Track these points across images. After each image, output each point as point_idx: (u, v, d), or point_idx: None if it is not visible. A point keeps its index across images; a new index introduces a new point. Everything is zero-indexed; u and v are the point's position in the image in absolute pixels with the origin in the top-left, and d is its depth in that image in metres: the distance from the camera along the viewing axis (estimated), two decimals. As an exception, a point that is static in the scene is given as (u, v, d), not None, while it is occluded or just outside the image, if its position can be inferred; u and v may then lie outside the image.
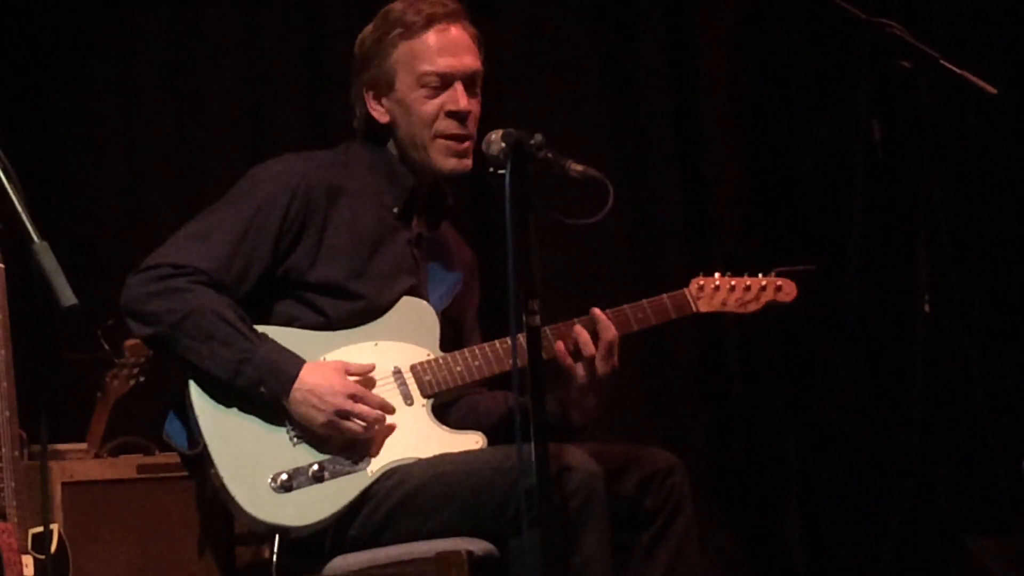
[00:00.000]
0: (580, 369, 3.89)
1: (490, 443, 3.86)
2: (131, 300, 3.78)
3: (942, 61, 4.39)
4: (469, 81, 3.95)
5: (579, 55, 6.00)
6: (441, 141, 3.94)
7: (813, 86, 5.99)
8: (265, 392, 3.74)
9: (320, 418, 3.75)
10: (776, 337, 5.98)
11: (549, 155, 3.60)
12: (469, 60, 3.95)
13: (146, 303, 3.76)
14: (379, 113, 3.97)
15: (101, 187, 5.75)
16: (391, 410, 3.82)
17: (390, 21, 3.96)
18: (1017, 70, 5.70)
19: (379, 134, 4.00)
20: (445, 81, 3.93)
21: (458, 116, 3.93)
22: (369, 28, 4.00)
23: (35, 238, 2.99)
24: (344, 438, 3.77)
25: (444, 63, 3.92)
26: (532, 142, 3.60)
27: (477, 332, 4.11)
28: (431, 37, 3.93)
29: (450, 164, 3.95)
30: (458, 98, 3.92)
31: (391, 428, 3.82)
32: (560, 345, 3.88)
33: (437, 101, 3.93)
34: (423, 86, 3.92)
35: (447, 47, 3.93)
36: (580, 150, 3.78)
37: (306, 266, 3.87)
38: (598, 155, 5.42)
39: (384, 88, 3.96)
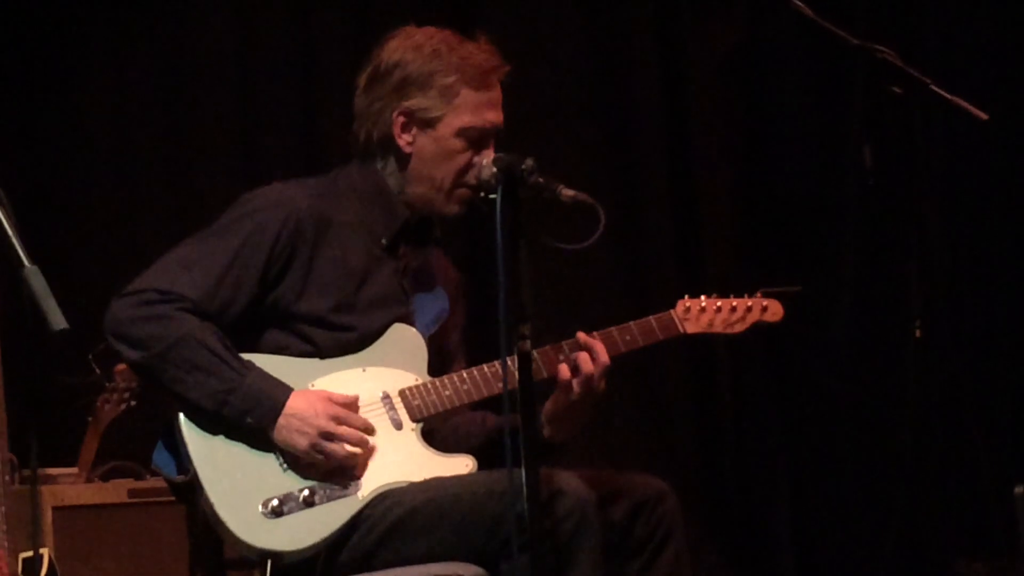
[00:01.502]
0: (567, 390, 3.89)
1: (472, 464, 3.88)
2: (116, 323, 3.76)
3: (933, 87, 4.40)
4: (497, 135, 3.94)
5: (571, 78, 6.01)
6: (463, 191, 3.90)
7: (805, 110, 6.01)
8: (251, 422, 3.73)
9: (304, 441, 3.73)
10: (768, 361, 5.98)
11: (540, 180, 3.61)
12: (501, 114, 3.93)
13: (132, 327, 3.74)
14: (405, 141, 3.93)
15: (91, 210, 5.75)
16: (374, 432, 3.81)
17: (450, 63, 3.87)
18: (1008, 95, 5.72)
19: (383, 153, 3.95)
20: (484, 136, 3.89)
21: None
22: (411, 54, 3.90)
23: (26, 262, 2.99)
24: (329, 462, 3.76)
25: (488, 119, 3.89)
26: (523, 167, 3.60)
27: (461, 354, 4.09)
28: (487, 94, 3.89)
29: (455, 210, 3.93)
30: (491, 154, 3.87)
31: (381, 453, 3.81)
32: (563, 368, 3.87)
33: (471, 153, 3.88)
34: (464, 137, 3.88)
35: (493, 103, 3.90)
36: (572, 174, 3.79)
37: (293, 298, 3.85)
38: (590, 179, 5.44)
39: (423, 123, 3.89)
